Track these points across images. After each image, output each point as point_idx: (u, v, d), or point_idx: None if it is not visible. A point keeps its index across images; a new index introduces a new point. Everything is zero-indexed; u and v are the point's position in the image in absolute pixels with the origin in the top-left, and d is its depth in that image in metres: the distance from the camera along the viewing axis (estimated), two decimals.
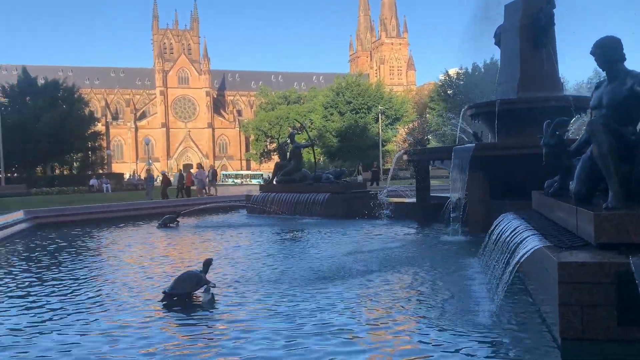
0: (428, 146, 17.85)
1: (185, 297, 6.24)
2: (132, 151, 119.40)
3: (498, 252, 6.16)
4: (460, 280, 6.82)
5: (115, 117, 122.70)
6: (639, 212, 4.39)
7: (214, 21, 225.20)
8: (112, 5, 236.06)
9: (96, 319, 5.50)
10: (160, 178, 38.42)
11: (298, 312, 5.46)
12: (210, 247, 10.95)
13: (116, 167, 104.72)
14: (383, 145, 67.45)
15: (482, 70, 60.74)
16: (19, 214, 15.73)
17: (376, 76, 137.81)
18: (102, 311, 5.84)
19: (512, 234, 6.04)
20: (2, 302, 6.52)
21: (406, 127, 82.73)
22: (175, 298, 6.19)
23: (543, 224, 6.20)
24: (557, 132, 6.35)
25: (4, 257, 10.33)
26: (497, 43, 13.43)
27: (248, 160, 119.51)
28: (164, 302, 6.12)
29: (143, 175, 61.71)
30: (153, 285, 7.13)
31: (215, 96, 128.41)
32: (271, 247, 11.04)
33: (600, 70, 5.65)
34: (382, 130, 68.12)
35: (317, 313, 5.41)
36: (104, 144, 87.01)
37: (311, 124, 76.06)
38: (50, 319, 5.58)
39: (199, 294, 6.38)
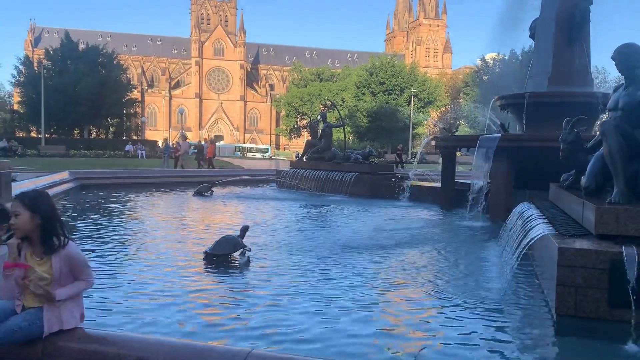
0: (457, 133, 18.16)
1: (224, 257, 6.97)
2: (165, 119, 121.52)
3: (512, 237, 6.70)
4: (476, 261, 7.38)
5: (151, 85, 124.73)
6: (638, 208, 4.87)
7: None
8: None
9: (154, 265, 6.37)
10: (193, 148, 39.37)
11: (323, 274, 6.14)
12: (244, 216, 11.70)
13: (149, 135, 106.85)
14: (414, 129, 67.31)
15: (520, 58, 59.76)
16: (64, 174, 16.76)
17: (411, 57, 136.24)
18: (157, 262, 6.69)
19: (526, 221, 6.56)
20: None
21: (438, 111, 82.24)
22: (215, 258, 6.92)
23: (555, 214, 6.68)
24: (575, 130, 6.78)
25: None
26: (532, 36, 13.62)
27: (277, 135, 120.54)
28: (204, 260, 6.88)
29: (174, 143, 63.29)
30: (196, 245, 7.92)
31: (249, 69, 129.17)
32: (300, 219, 11.75)
33: None
34: (413, 113, 67.91)
35: (339, 278, 6.07)
36: (139, 110, 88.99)
37: (342, 102, 76.22)
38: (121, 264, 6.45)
39: (236, 255, 7.10)
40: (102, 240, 8.22)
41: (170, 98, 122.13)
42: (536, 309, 5.12)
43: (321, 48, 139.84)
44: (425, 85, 75.05)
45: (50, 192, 13.57)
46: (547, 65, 12.57)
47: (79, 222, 10.08)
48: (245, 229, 7.36)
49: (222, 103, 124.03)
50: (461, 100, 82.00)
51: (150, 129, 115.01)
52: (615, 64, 6.05)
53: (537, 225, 5.96)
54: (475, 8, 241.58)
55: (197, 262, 6.84)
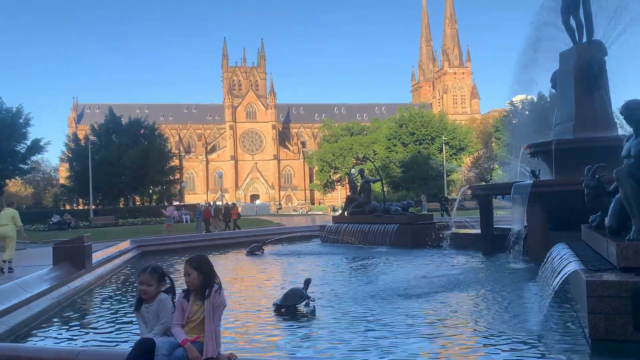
0: (491, 178, 18.90)
1: (292, 308, 7.91)
2: (203, 183, 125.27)
3: (548, 274, 7.46)
4: (517, 299, 8.13)
5: (188, 151, 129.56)
6: None
7: (280, 57, 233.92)
8: (185, 46, 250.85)
9: (231, 319, 7.32)
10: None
11: (378, 318, 7.02)
12: (299, 270, 12.64)
13: (188, 198, 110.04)
14: (447, 176, 67.84)
15: (548, 99, 60.34)
16: (126, 244, 18.14)
17: (439, 105, 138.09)
18: (234, 313, 7.67)
19: (560, 259, 7.35)
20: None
21: (471, 156, 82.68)
22: (284, 310, 7.87)
23: (586, 252, 7.45)
24: (597, 176, 7.62)
25: (130, 278, 12.49)
26: (554, 86, 14.62)
27: (312, 191, 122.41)
28: (275, 312, 7.83)
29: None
30: (264, 299, 8.90)
31: (280, 129, 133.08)
32: (351, 271, 12.63)
33: None
34: (446, 160, 68.63)
35: (390, 317, 6.94)
36: (179, 176, 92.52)
37: (374, 155, 77.68)
38: None
39: (301, 306, 8.03)
40: None
41: (207, 162, 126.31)
42: (572, 334, 5.88)
43: (349, 103, 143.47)
44: (456, 133, 75.98)
45: (121, 259, 14.94)
46: (570, 113, 13.45)
47: None
48: (308, 282, 8.32)
49: (256, 163, 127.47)
50: (493, 144, 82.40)
51: (189, 193, 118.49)
52: (624, 118, 6.99)
53: (569, 262, 6.76)
54: (501, 50, 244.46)
55: (267, 313, 7.80)
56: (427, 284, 9.83)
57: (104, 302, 9.39)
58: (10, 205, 15.01)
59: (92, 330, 7.19)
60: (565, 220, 11.51)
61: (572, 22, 13.75)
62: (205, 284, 3.86)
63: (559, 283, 6.42)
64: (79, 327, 7.47)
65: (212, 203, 37.98)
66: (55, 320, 7.97)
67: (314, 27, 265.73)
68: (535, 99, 66.30)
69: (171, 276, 4.32)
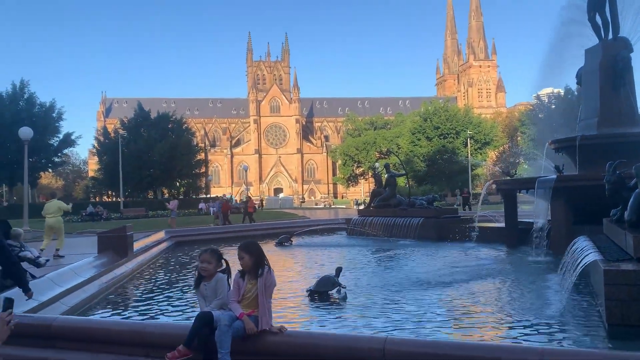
0: (517, 173, 19.15)
1: (324, 294, 8.43)
2: (228, 176, 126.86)
3: (569, 265, 7.84)
4: (539, 288, 8.53)
5: (213, 145, 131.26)
6: None
7: (303, 51, 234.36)
8: (210, 41, 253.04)
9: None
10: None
11: (405, 303, 7.51)
12: (327, 260, 13.17)
13: (214, 191, 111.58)
14: (472, 170, 67.60)
15: (575, 93, 59.63)
16: (161, 234, 18.91)
17: (464, 99, 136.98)
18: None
19: (580, 251, 7.72)
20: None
21: (496, 150, 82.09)
22: (317, 295, 8.40)
23: (606, 244, 7.80)
24: (618, 172, 7.95)
25: (168, 266, 13.20)
26: (579, 83, 14.81)
27: (335, 184, 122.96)
28: (308, 297, 8.37)
29: (239, 199, 67.22)
30: (296, 284, 9.47)
31: (304, 123, 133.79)
32: (378, 261, 13.12)
33: None
34: (471, 155, 68.37)
35: (417, 303, 7.42)
36: (204, 169, 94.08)
37: (398, 149, 77.74)
38: None
39: (333, 293, 8.55)
40: None
41: (232, 156, 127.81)
42: (591, 320, 6.28)
43: (372, 97, 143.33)
44: (481, 127, 75.50)
45: (158, 248, 15.68)
46: (595, 110, 13.65)
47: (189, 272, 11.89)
48: (339, 270, 8.84)
49: (280, 157, 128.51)
50: (519, 138, 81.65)
51: (214, 186, 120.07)
52: None
53: (589, 253, 7.14)
54: (527, 43, 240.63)
55: (301, 299, 8.35)
56: (452, 273, 10.27)
57: (147, 287, 10.07)
58: (53, 196, 15.91)
59: (140, 311, 7.84)
60: (588, 215, 11.77)
61: (598, 19, 13.91)
62: (257, 265, 4.40)
63: (579, 272, 6.80)
64: (128, 309, 8.14)
65: (225, 196, 38.59)
66: (106, 302, 8.67)
67: (337, 21, 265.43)
68: (562, 92, 65.62)
69: (228, 254, 4.84)
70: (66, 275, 8.77)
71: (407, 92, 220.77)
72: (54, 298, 7.33)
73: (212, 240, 19.15)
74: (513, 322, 6.43)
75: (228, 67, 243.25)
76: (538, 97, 70.83)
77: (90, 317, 6.76)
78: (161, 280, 10.89)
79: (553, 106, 65.66)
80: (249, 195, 45.98)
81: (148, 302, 8.58)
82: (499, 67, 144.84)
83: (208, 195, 79.60)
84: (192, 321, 4.36)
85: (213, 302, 4.41)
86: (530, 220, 14.59)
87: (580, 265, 6.85)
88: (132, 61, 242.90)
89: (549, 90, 72.27)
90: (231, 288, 4.45)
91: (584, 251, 7.49)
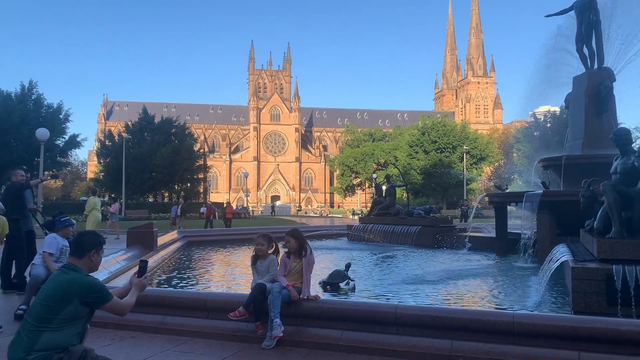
0: (510, 188, 20.53)
1: (335, 286, 9.70)
2: (226, 182, 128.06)
3: (547, 266, 9.15)
4: (522, 287, 9.83)
5: (212, 150, 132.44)
6: (626, 241, 7.34)
7: (305, 61, 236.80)
8: (212, 48, 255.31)
9: None
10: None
11: (404, 294, 8.81)
12: (333, 261, 14.43)
13: (211, 197, 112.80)
14: (467, 184, 69.11)
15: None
16: (174, 234, 20.12)
17: (461, 114, 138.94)
18: None
19: (558, 254, 9.04)
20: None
21: (491, 166, 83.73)
22: (329, 287, 9.66)
23: (581, 250, 9.12)
24: (591, 188, 9.28)
25: (184, 263, 14.44)
26: (567, 107, 16.22)
27: (332, 194, 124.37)
28: (321, 288, 9.63)
29: (237, 205, 68.71)
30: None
31: (303, 132, 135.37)
32: (377, 263, 14.40)
33: None
34: (466, 169, 69.92)
35: (411, 293, 8.72)
36: (202, 175, 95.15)
37: (396, 161, 79.24)
38: None
39: (343, 285, 9.81)
40: (239, 276, 11.16)
41: (231, 162, 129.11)
42: (559, 309, 7.58)
43: (372, 109, 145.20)
44: (477, 142, 77.19)
45: (173, 247, 16.92)
46: (581, 132, 15.03)
47: (215, 264, 13.14)
48: (348, 265, 10.13)
49: (278, 165, 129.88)
50: (514, 155, 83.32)
51: (212, 192, 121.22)
52: (613, 142, 8.66)
53: (563, 255, 8.46)
54: (525, 61, 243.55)
55: (314, 289, 9.61)
56: (446, 273, 11.56)
57: (175, 277, 11.33)
58: (94, 194, 17.30)
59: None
60: (570, 226, 13.08)
61: (585, 50, 15.35)
62: (300, 247, 5.69)
63: (558, 274, 8.11)
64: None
65: (209, 203, 41.28)
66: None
67: (340, 33, 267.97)
68: (557, 112, 67.28)
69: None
70: (107, 264, 10.01)
71: (406, 106, 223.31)
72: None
73: (219, 242, 20.41)
74: (497, 309, 7.71)
75: (229, 74, 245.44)
76: (534, 115, 72.51)
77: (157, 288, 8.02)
78: (184, 272, 12.14)
79: (549, 124, 67.30)
80: (228, 201, 47.62)
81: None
82: (497, 84, 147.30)
83: (207, 200, 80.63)
84: (250, 291, 5.64)
85: (265, 277, 5.69)
86: (519, 232, 15.91)
87: (556, 264, 8.16)
88: (135, 65, 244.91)
89: (545, 108, 73.99)
90: (279, 266, 5.74)
91: (560, 254, 8.81)
